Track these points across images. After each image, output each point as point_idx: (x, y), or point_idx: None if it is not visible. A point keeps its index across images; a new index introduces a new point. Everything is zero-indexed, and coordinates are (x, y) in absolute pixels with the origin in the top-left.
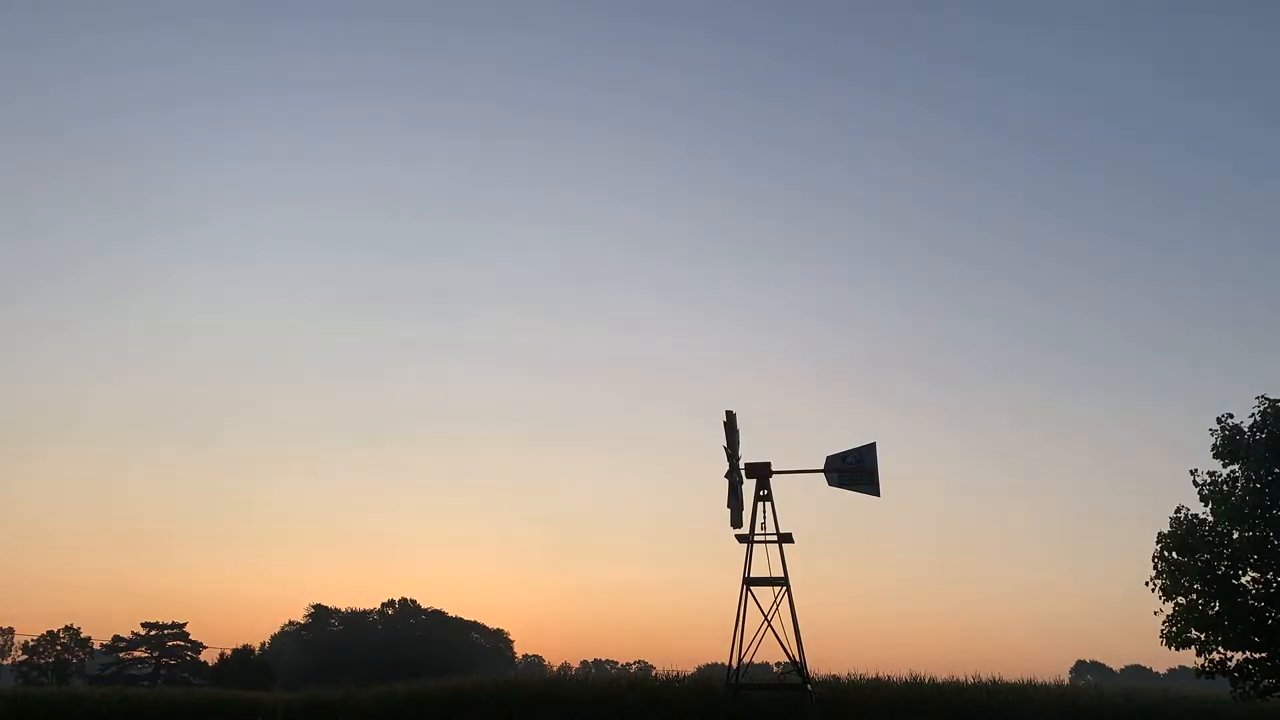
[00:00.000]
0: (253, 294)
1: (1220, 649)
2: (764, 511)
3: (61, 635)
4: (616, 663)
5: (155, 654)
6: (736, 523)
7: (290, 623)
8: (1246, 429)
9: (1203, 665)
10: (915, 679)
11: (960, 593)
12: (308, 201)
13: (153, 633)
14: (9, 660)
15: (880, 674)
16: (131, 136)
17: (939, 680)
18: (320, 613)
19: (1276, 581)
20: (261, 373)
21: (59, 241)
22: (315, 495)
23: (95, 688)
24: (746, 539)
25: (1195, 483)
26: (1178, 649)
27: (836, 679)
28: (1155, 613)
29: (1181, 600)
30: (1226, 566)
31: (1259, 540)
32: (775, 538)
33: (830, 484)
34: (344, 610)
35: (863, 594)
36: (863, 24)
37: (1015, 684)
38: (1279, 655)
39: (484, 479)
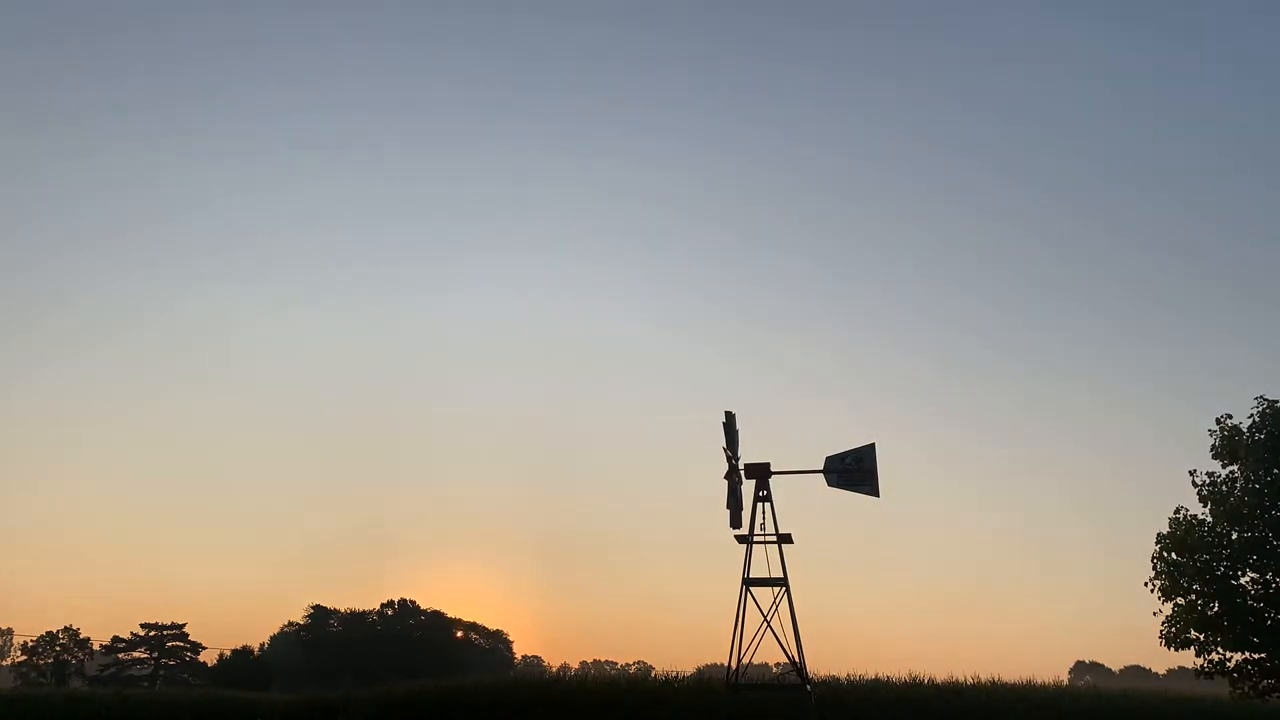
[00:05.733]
0: (252, 300)
1: (1220, 649)
2: (763, 512)
3: (61, 636)
4: (616, 663)
5: (154, 655)
6: (736, 523)
7: (289, 623)
8: (1246, 429)
9: (1202, 665)
10: (915, 679)
11: (959, 593)
12: (313, 207)
13: (152, 633)
14: (8, 661)
15: (880, 674)
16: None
17: (939, 681)
18: (319, 613)
19: (1276, 582)
20: (264, 375)
21: (66, 252)
22: (315, 496)
23: (94, 688)
24: (746, 539)
25: (1195, 483)
26: (1177, 650)
27: (836, 679)
28: (1155, 613)
29: (1181, 601)
30: (1225, 567)
31: (1258, 541)
32: (775, 538)
33: (830, 484)
34: (343, 611)
35: (863, 594)
36: (869, 19)
37: (1015, 684)
38: (1278, 655)
39: (483, 479)
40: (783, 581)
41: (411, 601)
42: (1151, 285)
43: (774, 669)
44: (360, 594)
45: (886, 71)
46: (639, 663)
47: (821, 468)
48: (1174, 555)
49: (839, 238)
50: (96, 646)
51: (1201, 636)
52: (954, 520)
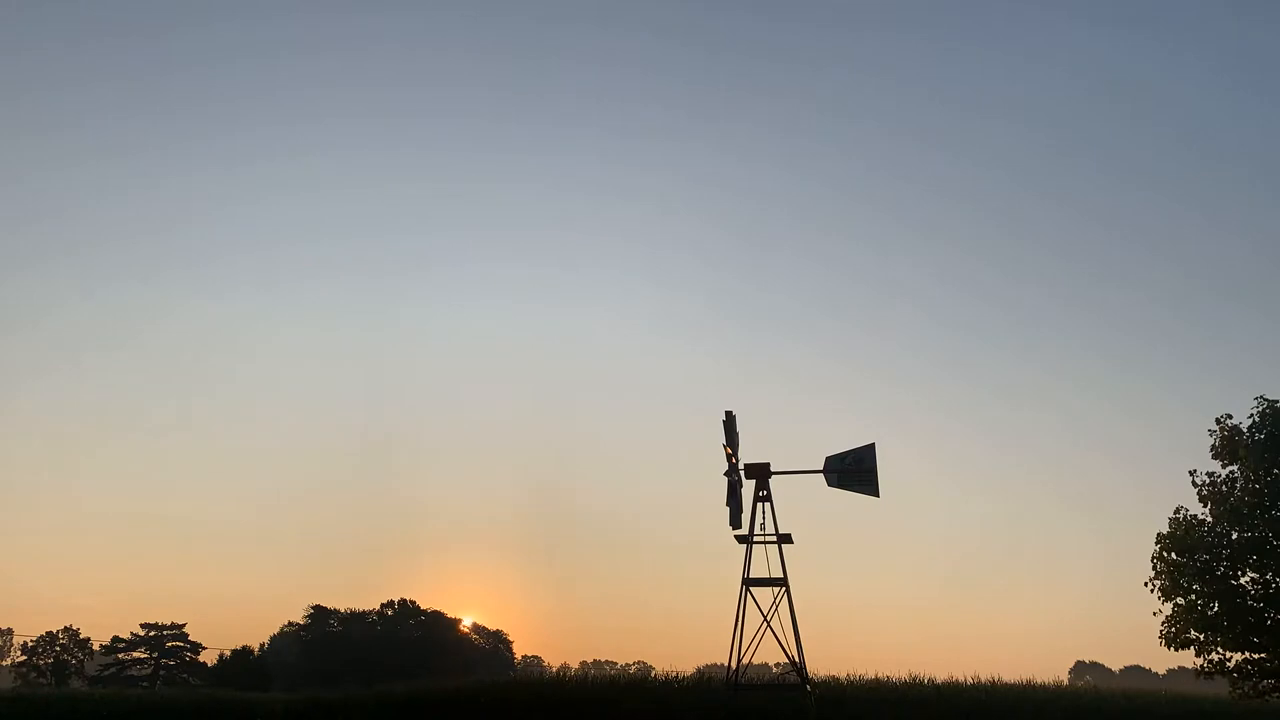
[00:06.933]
0: (253, 301)
1: (1220, 649)
2: (763, 512)
3: (60, 636)
4: (616, 663)
5: (154, 655)
6: (736, 523)
7: (289, 623)
8: (1246, 429)
9: (1202, 665)
10: (915, 679)
11: (959, 593)
12: (314, 210)
13: (152, 634)
14: (8, 661)
15: (880, 674)
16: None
17: (939, 681)
18: (319, 613)
19: (1276, 582)
20: (264, 376)
21: (68, 255)
22: (315, 496)
23: (94, 689)
24: (746, 539)
25: (1195, 483)
26: (1177, 650)
27: (836, 679)
28: (1155, 613)
29: (1181, 601)
30: (1226, 567)
31: (1258, 541)
32: (775, 538)
33: (830, 484)
34: (343, 611)
35: (863, 594)
36: (869, 18)
37: (1015, 684)
38: (1278, 655)
39: (483, 479)
40: (783, 581)
41: (411, 601)
42: (1151, 285)
43: (774, 669)
44: (360, 594)
45: (886, 71)
46: (639, 663)
47: (821, 468)
48: (1174, 555)
49: (839, 238)
50: (96, 646)
51: (1201, 636)
52: (954, 520)
